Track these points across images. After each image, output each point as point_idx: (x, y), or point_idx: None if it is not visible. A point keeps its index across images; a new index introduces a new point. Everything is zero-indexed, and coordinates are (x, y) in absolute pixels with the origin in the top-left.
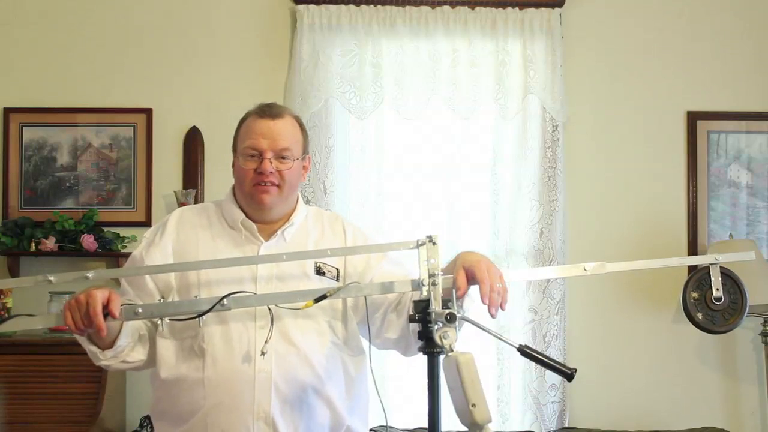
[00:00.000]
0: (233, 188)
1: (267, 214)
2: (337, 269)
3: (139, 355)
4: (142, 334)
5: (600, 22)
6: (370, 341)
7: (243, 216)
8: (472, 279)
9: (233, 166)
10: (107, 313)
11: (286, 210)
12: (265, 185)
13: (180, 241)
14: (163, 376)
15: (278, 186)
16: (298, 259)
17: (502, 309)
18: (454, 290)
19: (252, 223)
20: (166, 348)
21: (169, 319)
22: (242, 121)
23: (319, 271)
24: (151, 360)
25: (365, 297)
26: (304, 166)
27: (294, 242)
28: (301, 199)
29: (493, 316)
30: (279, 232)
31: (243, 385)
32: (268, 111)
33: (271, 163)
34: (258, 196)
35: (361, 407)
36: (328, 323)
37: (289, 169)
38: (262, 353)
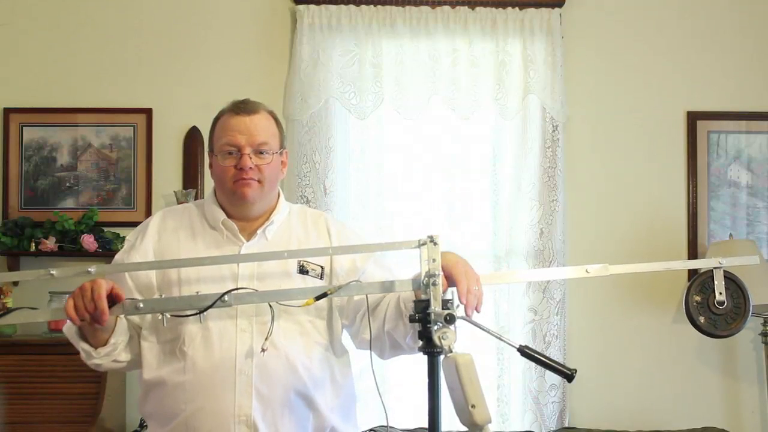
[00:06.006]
0: (214, 189)
1: (249, 209)
2: (321, 267)
3: (127, 355)
4: (131, 334)
5: (600, 22)
6: (371, 341)
7: (224, 216)
8: (449, 279)
9: (210, 166)
10: (112, 304)
11: (267, 206)
12: (245, 180)
13: (161, 244)
14: (145, 378)
15: (259, 181)
16: (297, 257)
17: (477, 311)
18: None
19: (233, 223)
20: (149, 350)
21: (171, 315)
22: (216, 119)
23: (302, 270)
24: (136, 361)
25: (366, 296)
26: (282, 161)
27: (276, 241)
28: (282, 196)
29: (468, 316)
30: (260, 231)
31: (223, 388)
32: (243, 107)
33: (250, 158)
34: (240, 191)
35: (348, 407)
36: (311, 323)
37: (269, 164)
38: (263, 350)
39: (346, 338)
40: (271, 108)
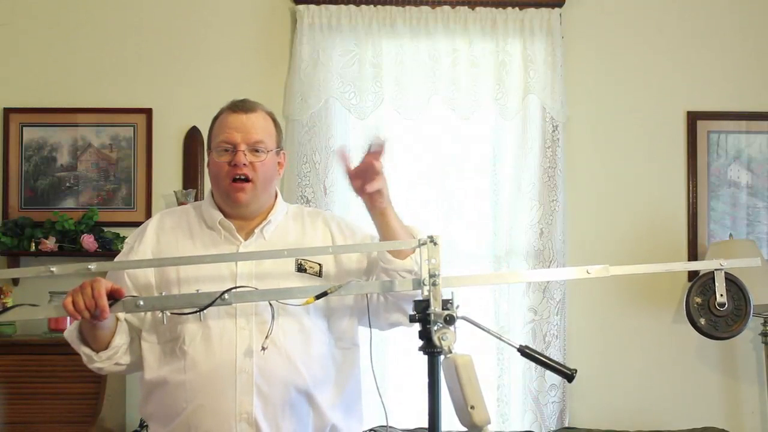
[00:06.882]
0: (212, 190)
1: (244, 210)
2: (319, 265)
3: (128, 357)
4: (132, 337)
5: (600, 22)
6: (370, 337)
7: (221, 216)
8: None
9: (209, 165)
10: (112, 303)
11: (263, 206)
12: (239, 181)
13: (159, 245)
14: (146, 378)
15: (252, 181)
16: (297, 256)
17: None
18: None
19: (230, 224)
20: (150, 350)
21: (171, 313)
22: (215, 118)
23: (301, 268)
24: (137, 363)
25: (367, 295)
26: (279, 162)
27: (274, 241)
28: (280, 196)
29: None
30: (257, 230)
31: (224, 386)
32: (241, 105)
33: (245, 155)
34: (233, 195)
35: (350, 405)
36: (311, 321)
37: (263, 162)
38: (263, 348)
39: (350, 337)
40: (271, 108)
